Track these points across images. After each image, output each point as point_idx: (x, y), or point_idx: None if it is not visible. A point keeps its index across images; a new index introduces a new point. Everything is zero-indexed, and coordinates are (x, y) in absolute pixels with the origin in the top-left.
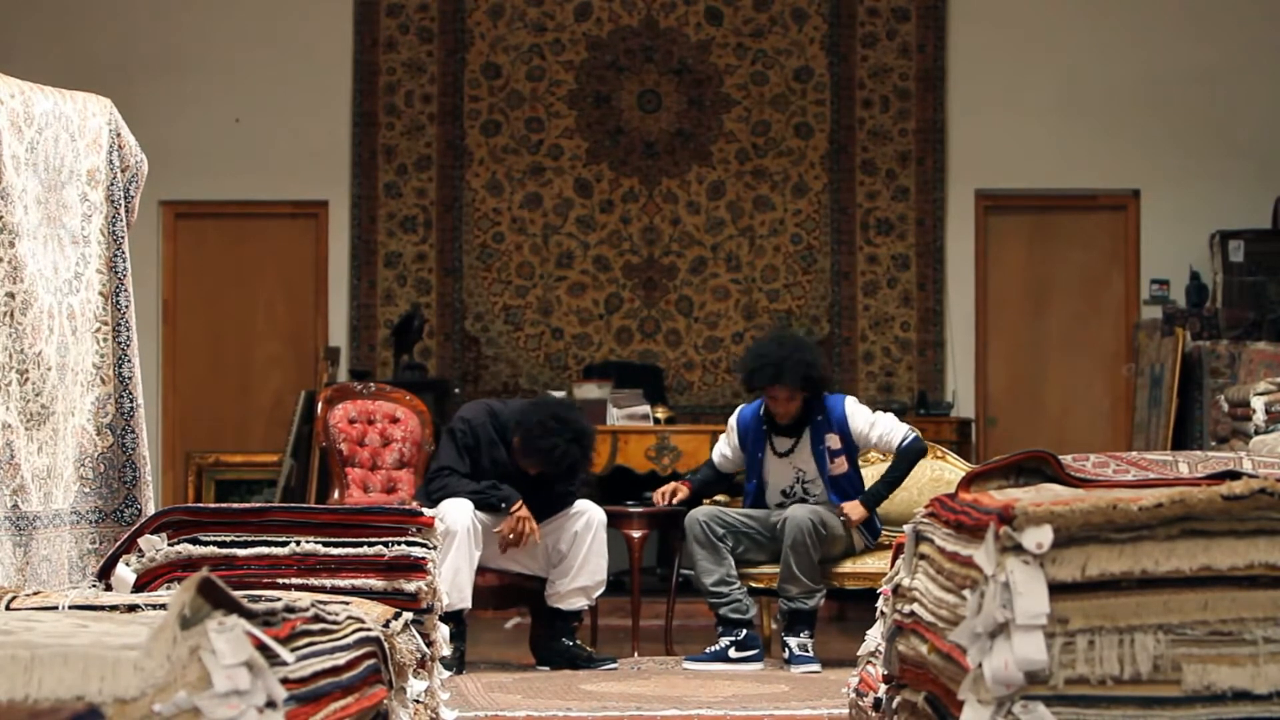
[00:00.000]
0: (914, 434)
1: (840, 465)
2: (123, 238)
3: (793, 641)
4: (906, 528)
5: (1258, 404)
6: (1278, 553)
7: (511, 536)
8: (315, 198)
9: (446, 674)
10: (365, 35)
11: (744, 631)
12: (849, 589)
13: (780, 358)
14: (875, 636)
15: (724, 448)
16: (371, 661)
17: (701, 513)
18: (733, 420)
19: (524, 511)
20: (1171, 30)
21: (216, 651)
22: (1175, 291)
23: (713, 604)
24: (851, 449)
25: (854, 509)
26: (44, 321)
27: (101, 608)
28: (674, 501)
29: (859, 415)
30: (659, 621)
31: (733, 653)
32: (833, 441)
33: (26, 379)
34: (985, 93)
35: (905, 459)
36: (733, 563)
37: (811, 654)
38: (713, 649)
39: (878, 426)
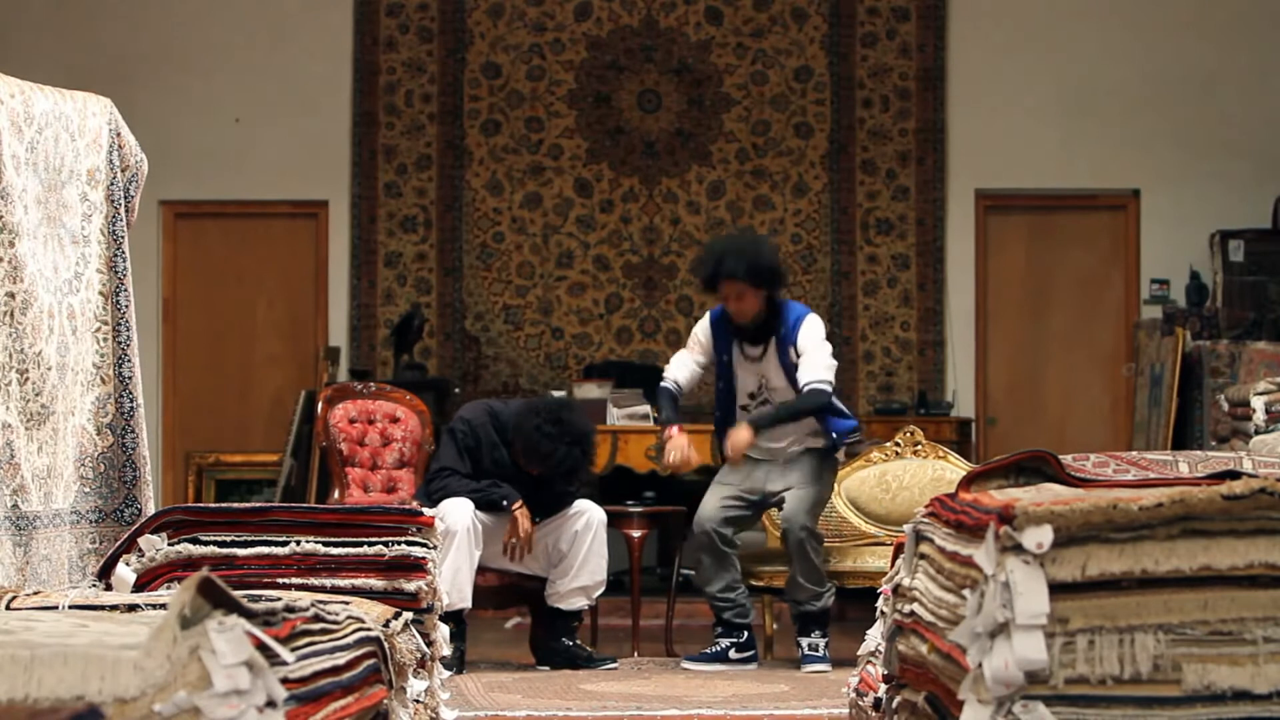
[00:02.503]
0: (823, 386)
1: None
2: (123, 237)
3: (805, 642)
4: (907, 527)
5: (1258, 404)
6: (1278, 553)
7: (514, 541)
8: (315, 198)
9: (446, 674)
10: (365, 35)
11: (745, 634)
12: (849, 589)
13: (723, 251)
14: (875, 636)
15: (689, 358)
16: (371, 661)
17: (709, 520)
18: (704, 321)
19: (523, 510)
20: (1171, 30)
21: (216, 651)
22: (1175, 291)
23: (717, 608)
24: None
25: (742, 433)
26: (44, 321)
27: (101, 608)
28: (694, 459)
29: (806, 335)
30: (659, 621)
31: (733, 654)
32: (792, 354)
33: (26, 379)
34: (985, 93)
35: (802, 401)
36: (739, 568)
37: (822, 654)
38: (712, 649)
39: (805, 357)
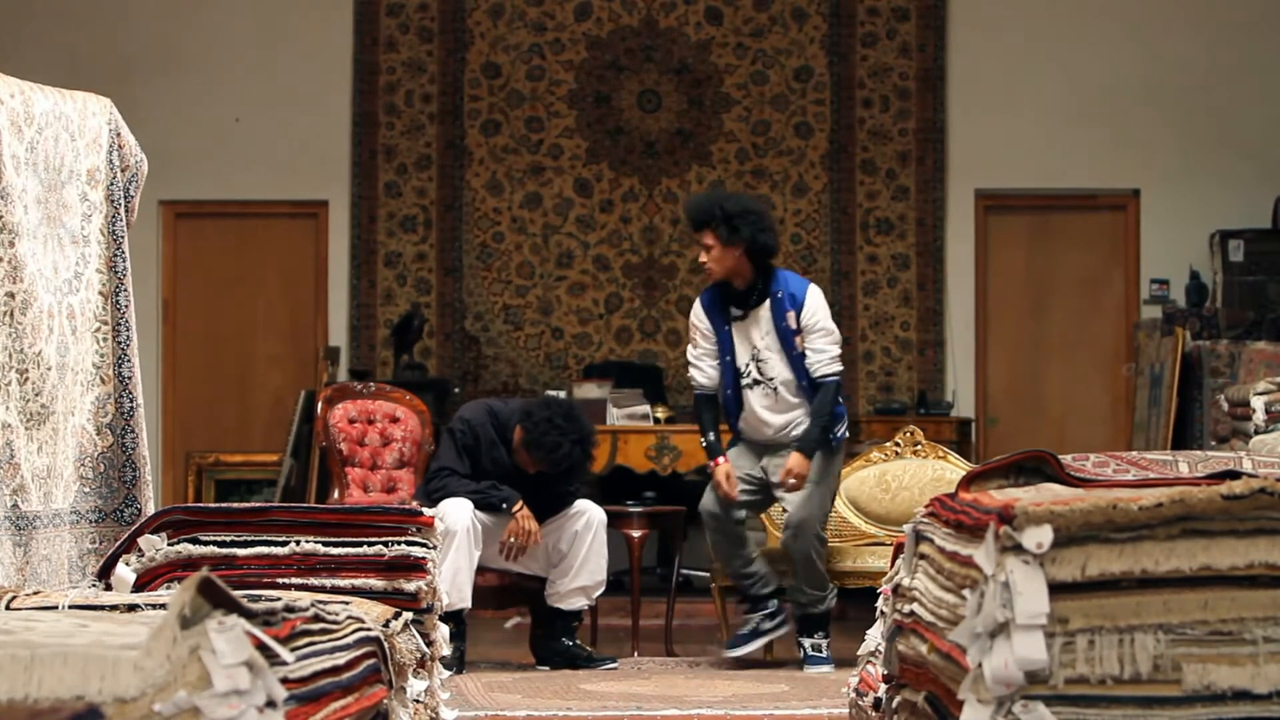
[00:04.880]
0: (836, 378)
1: (801, 344)
2: (123, 237)
3: (807, 643)
4: (906, 527)
5: (1258, 404)
6: (1278, 552)
7: (514, 540)
8: (315, 198)
9: (446, 674)
10: (365, 35)
11: (773, 602)
12: (849, 588)
13: (710, 203)
14: (875, 636)
15: (698, 350)
16: (371, 661)
17: (713, 503)
18: (696, 307)
19: (525, 512)
20: (1171, 30)
21: (216, 651)
22: (1175, 291)
23: (742, 586)
24: (800, 333)
25: (796, 463)
26: (44, 321)
27: (101, 607)
28: (734, 487)
29: (817, 310)
30: (659, 621)
31: (765, 624)
32: (791, 320)
33: (26, 379)
34: (985, 93)
35: (823, 402)
36: (751, 542)
37: (825, 654)
38: (746, 629)
39: (814, 341)
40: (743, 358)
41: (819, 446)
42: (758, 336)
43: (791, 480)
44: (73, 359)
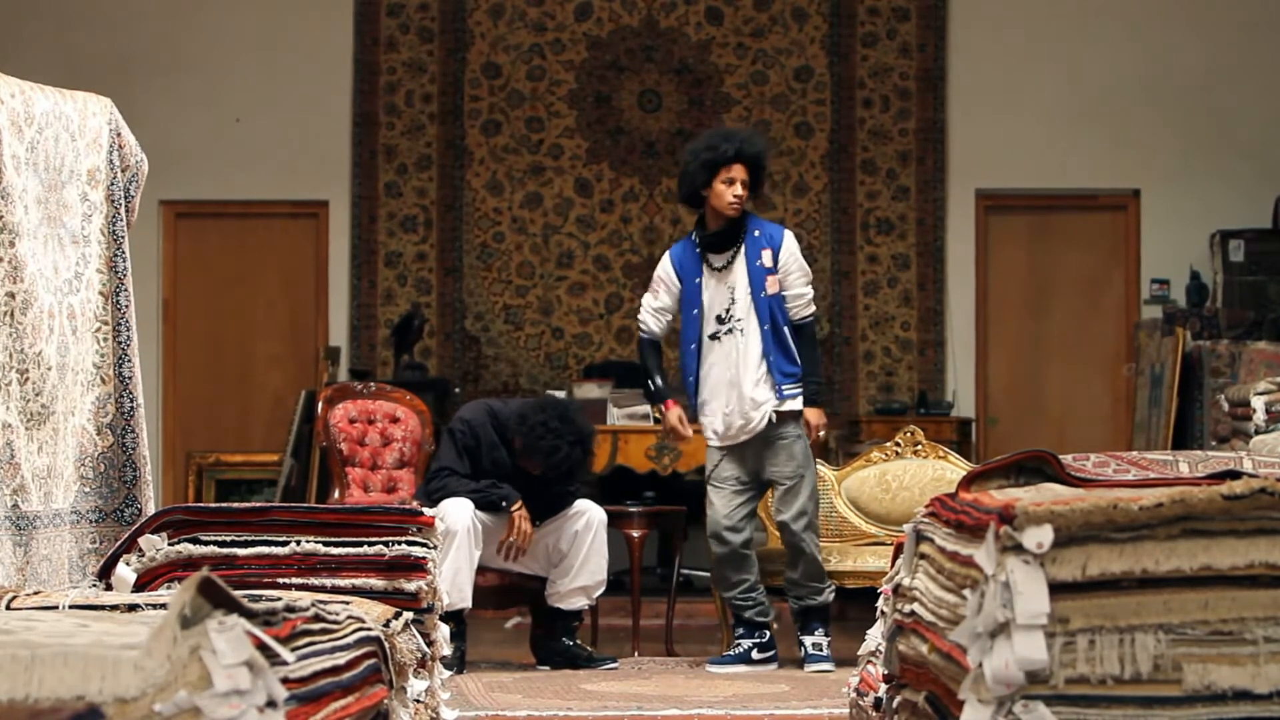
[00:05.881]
0: (813, 317)
1: (773, 285)
2: (123, 237)
3: (808, 640)
4: (907, 527)
5: (1258, 404)
6: (1278, 552)
7: (513, 540)
8: (315, 198)
9: (447, 674)
10: (365, 35)
11: (766, 634)
12: (849, 588)
13: (740, 134)
14: (876, 636)
15: (657, 301)
16: (372, 661)
17: (724, 525)
18: (665, 260)
19: (522, 512)
20: (1171, 30)
21: (217, 651)
22: (1175, 291)
23: (738, 607)
24: (775, 273)
25: (816, 416)
26: (44, 321)
27: (102, 607)
28: (687, 428)
29: (796, 252)
30: (659, 621)
31: (755, 654)
32: (766, 258)
33: (27, 379)
34: (985, 93)
35: (811, 342)
36: (758, 566)
37: (825, 653)
38: (734, 651)
39: (797, 282)
40: (718, 305)
41: (821, 387)
42: (731, 279)
43: (819, 436)
44: (73, 359)
